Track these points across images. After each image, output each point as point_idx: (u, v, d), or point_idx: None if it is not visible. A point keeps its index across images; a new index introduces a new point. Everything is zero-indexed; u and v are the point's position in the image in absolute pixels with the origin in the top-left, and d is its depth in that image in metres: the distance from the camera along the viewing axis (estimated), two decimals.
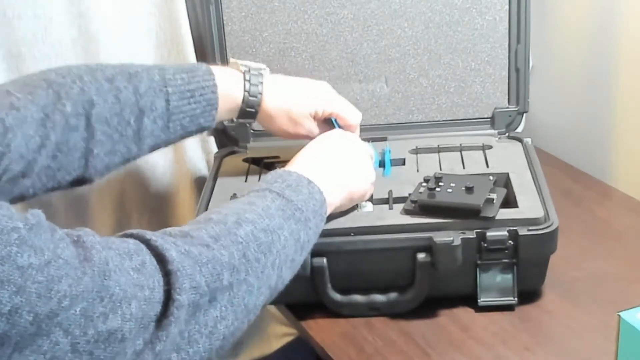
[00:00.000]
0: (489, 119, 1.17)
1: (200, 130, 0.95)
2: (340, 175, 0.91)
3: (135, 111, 0.88)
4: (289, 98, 1.00)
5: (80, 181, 0.88)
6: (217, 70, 0.95)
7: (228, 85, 0.95)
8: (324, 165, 0.90)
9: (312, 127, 1.01)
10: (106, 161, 0.88)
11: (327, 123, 1.03)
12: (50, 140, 0.82)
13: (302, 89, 1.02)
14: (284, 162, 1.12)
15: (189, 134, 0.95)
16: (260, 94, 0.97)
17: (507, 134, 1.16)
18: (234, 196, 1.05)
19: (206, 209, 1.03)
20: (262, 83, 0.97)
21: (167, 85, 0.90)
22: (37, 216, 0.60)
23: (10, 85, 0.83)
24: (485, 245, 0.93)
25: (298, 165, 0.88)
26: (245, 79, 0.97)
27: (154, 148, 0.93)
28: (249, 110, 0.97)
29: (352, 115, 1.02)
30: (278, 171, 0.85)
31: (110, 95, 0.86)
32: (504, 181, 1.03)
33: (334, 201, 0.89)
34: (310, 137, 0.99)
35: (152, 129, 0.90)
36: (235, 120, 1.01)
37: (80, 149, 0.85)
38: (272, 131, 1.02)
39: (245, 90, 0.96)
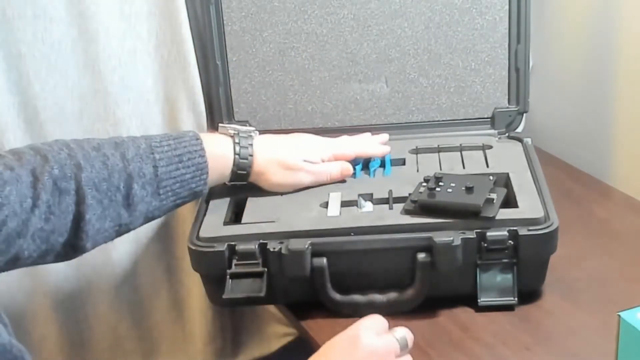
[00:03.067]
0: (489, 119, 1.17)
1: (193, 195, 0.96)
2: None
3: (124, 176, 0.89)
4: (279, 149, 1.03)
5: (73, 247, 0.88)
6: (206, 135, 0.97)
7: (217, 150, 0.97)
8: None
9: (313, 168, 1.04)
10: (97, 226, 0.88)
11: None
12: (42, 201, 0.83)
13: (292, 138, 1.06)
14: None
15: (183, 199, 0.96)
16: (251, 155, 0.99)
17: (507, 134, 1.16)
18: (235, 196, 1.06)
19: (206, 209, 1.03)
20: (251, 145, 1.00)
21: (154, 152, 0.92)
22: None
23: (2, 153, 0.86)
24: (485, 245, 0.93)
25: None
26: (234, 142, 0.99)
27: (149, 216, 0.93)
28: (241, 172, 1.00)
29: (350, 148, 1.07)
30: None
31: (97, 161, 0.88)
32: (504, 181, 1.03)
33: None
34: (318, 182, 1.03)
35: (142, 195, 0.91)
36: (227, 183, 1.02)
37: (71, 212, 0.86)
38: (268, 186, 1.03)
39: (235, 154, 0.98)
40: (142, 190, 0.90)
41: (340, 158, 1.06)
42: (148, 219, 0.94)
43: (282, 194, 1.05)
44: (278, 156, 1.02)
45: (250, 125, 1.19)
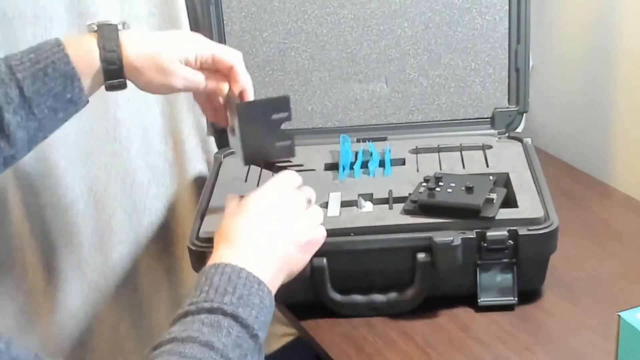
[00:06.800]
0: (489, 119, 1.17)
1: (74, 105, 0.88)
2: (278, 258, 0.84)
3: None
4: (153, 45, 0.91)
5: None
6: (68, 39, 0.88)
7: (81, 49, 0.87)
8: (261, 251, 0.83)
9: (188, 74, 0.92)
10: None
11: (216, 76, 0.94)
12: None
13: (169, 35, 0.95)
14: (283, 162, 1.13)
15: (64, 112, 0.88)
16: (118, 47, 0.88)
17: (507, 134, 1.16)
18: None
19: (206, 209, 1.03)
20: (117, 37, 0.88)
21: (15, 72, 0.84)
22: None
23: None
24: (485, 245, 0.93)
25: (238, 250, 0.82)
26: (98, 36, 0.88)
27: (32, 140, 0.87)
28: (111, 67, 0.88)
29: (230, 55, 0.93)
30: (226, 269, 0.79)
31: None
32: (504, 181, 1.03)
33: (275, 288, 0.83)
34: (191, 88, 0.94)
35: (17, 122, 0.84)
36: (105, 87, 0.90)
37: None
38: (144, 87, 0.92)
39: (100, 48, 0.87)
40: (15, 116, 0.84)
41: (219, 63, 0.94)
42: (34, 143, 0.88)
43: None
44: (152, 53, 0.90)
45: None
